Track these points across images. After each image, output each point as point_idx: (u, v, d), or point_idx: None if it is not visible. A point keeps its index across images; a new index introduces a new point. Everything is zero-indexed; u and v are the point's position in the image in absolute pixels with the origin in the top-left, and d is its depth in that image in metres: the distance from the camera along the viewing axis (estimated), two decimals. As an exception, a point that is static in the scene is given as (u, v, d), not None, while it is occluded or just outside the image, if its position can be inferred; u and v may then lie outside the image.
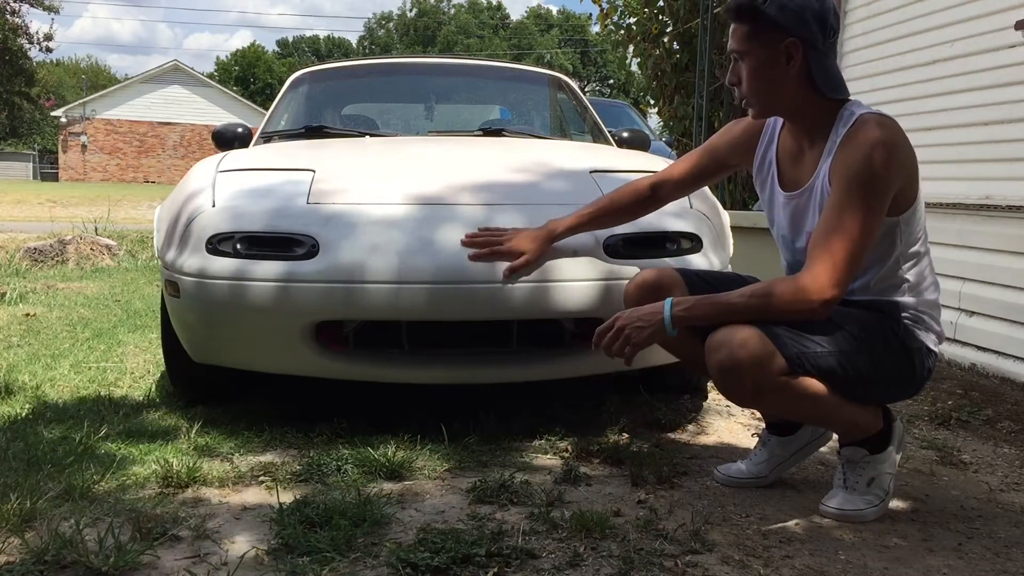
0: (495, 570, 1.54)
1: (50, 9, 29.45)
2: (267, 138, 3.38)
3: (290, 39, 73.69)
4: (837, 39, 1.87)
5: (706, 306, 1.83)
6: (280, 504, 1.79)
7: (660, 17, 7.88)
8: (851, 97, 1.87)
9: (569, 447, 2.26)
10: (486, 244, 2.19)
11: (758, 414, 2.60)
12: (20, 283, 5.70)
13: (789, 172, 1.94)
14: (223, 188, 2.40)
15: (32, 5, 29.19)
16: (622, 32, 8.19)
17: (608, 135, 3.64)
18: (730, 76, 1.89)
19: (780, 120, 1.98)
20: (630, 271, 2.17)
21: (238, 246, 2.23)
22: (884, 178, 1.74)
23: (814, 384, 1.78)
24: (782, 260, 2.03)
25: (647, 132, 6.84)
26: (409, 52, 54.42)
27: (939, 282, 1.93)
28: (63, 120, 36.97)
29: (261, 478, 2.01)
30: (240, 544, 1.65)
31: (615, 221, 2.26)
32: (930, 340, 1.86)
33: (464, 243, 2.19)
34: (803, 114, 1.86)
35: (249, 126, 3.59)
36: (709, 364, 1.79)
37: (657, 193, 2.22)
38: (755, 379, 1.75)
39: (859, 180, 1.74)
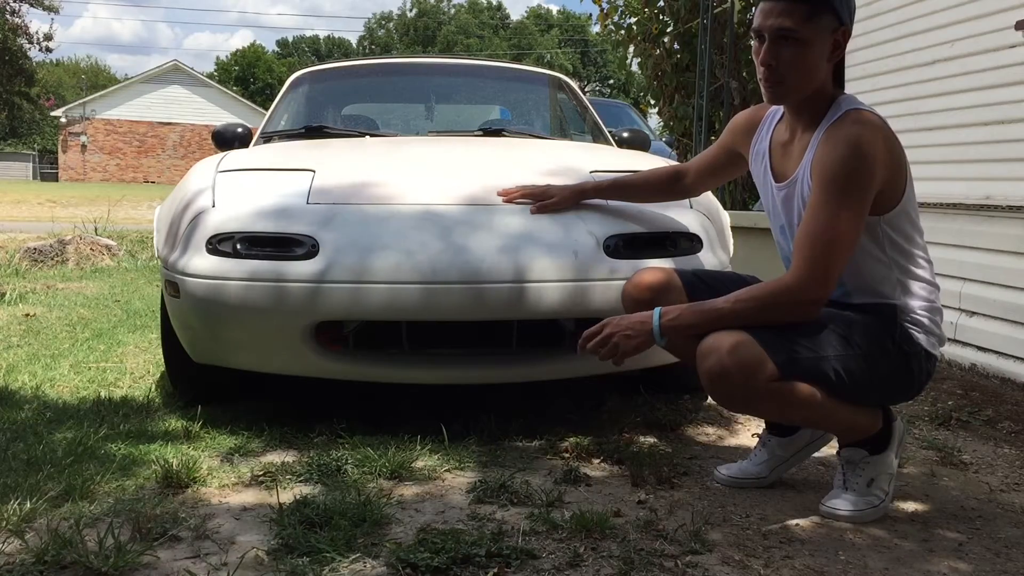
0: (495, 570, 1.54)
1: (50, 9, 29.42)
2: (267, 138, 3.38)
3: (290, 39, 73.81)
4: None
5: (694, 314, 1.82)
6: (280, 504, 1.78)
7: (660, 17, 7.88)
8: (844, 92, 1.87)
9: (569, 447, 2.26)
10: (521, 194, 2.38)
11: (758, 414, 2.60)
12: (20, 283, 5.70)
13: (778, 162, 1.94)
14: (223, 188, 2.40)
15: (32, 5, 29.15)
16: (622, 32, 8.19)
17: (608, 135, 3.64)
18: (767, 56, 1.79)
19: (780, 110, 1.98)
20: (630, 271, 2.16)
21: (238, 246, 2.23)
22: (863, 177, 1.73)
23: (806, 389, 1.77)
24: (779, 251, 2.03)
25: (647, 132, 6.84)
26: (409, 52, 54.40)
27: (940, 284, 1.92)
28: (63, 120, 36.96)
29: (261, 478, 2.01)
30: (240, 544, 1.65)
31: (641, 196, 2.40)
32: (929, 343, 1.85)
33: (499, 193, 2.37)
34: (812, 103, 1.85)
35: (249, 126, 3.59)
36: (699, 371, 1.79)
37: (684, 178, 2.30)
38: (745, 385, 1.74)
39: (836, 179, 1.73)
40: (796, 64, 1.79)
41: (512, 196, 2.37)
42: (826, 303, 1.80)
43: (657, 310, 1.84)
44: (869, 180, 1.74)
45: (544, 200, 2.35)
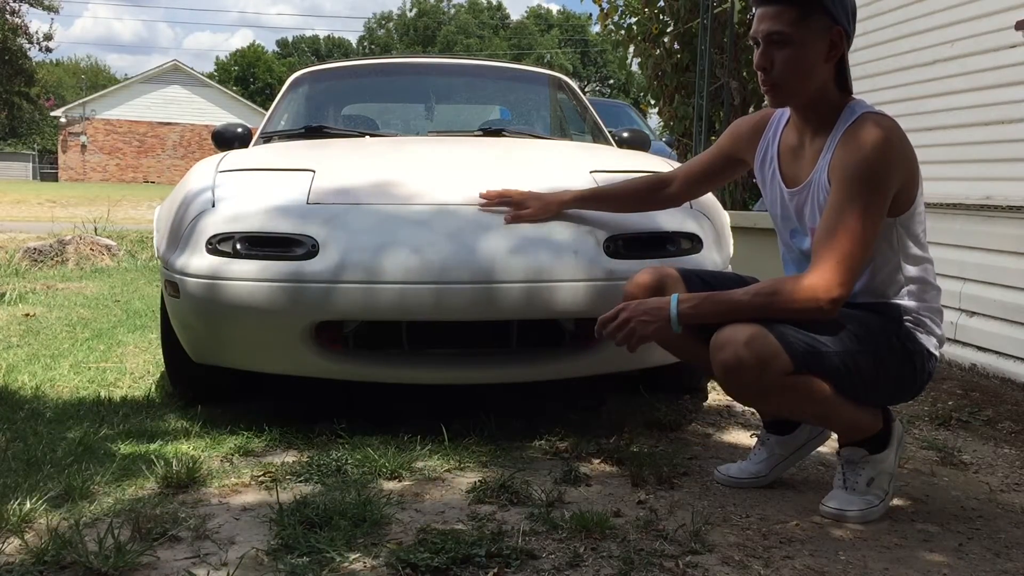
0: (495, 570, 1.54)
1: (50, 9, 29.38)
2: (267, 138, 3.38)
3: (290, 39, 73.62)
4: None
5: (712, 303, 1.82)
6: (280, 504, 1.78)
7: (660, 17, 7.89)
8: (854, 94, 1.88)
9: (569, 447, 2.26)
10: (500, 199, 2.32)
11: (758, 413, 2.60)
12: (20, 283, 5.70)
13: (789, 167, 1.94)
14: (223, 188, 2.40)
15: (32, 5, 29.09)
16: (622, 32, 8.19)
17: (608, 135, 3.64)
18: (761, 60, 1.81)
19: (785, 115, 1.98)
20: (630, 271, 2.16)
21: (238, 246, 2.23)
22: (884, 177, 1.74)
23: (818, 384, 1.78)
24: (782, 257, 2.03)
25: (647, 132, 6.84)
26: (409, 52, 54.36)
27: (940, 285, 1.93)
28: (63, 120, 36.93)
29: (261, 478, 2.01)
30: (240, 544, 1.65)
31: (622, 206, 2.32)
32: (931, 343, 1.86)
33: (482, 195, 2.31)
34: (818, 107, 1.85)
35: (249, 126, 3.59)
36: (713, 362, 1.79)
37: (668, 187, 2.26)
38: (759, 378, 1.75)
39: (859, 179, 1.74)
40: (790, 66, 1.80)
41: (491, 200, 2.32)
42: None
43: (675, 296, 1.83)
44: (889, 182, 1.75)
45: (520, 210, 2.30)
